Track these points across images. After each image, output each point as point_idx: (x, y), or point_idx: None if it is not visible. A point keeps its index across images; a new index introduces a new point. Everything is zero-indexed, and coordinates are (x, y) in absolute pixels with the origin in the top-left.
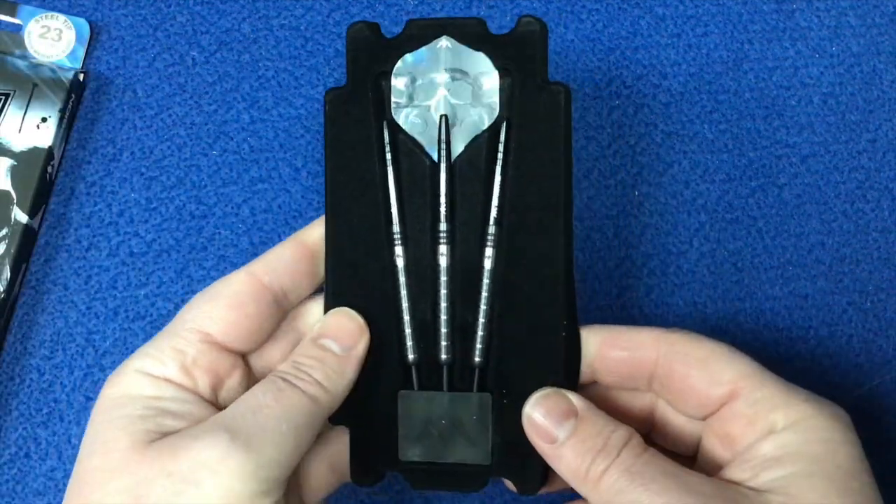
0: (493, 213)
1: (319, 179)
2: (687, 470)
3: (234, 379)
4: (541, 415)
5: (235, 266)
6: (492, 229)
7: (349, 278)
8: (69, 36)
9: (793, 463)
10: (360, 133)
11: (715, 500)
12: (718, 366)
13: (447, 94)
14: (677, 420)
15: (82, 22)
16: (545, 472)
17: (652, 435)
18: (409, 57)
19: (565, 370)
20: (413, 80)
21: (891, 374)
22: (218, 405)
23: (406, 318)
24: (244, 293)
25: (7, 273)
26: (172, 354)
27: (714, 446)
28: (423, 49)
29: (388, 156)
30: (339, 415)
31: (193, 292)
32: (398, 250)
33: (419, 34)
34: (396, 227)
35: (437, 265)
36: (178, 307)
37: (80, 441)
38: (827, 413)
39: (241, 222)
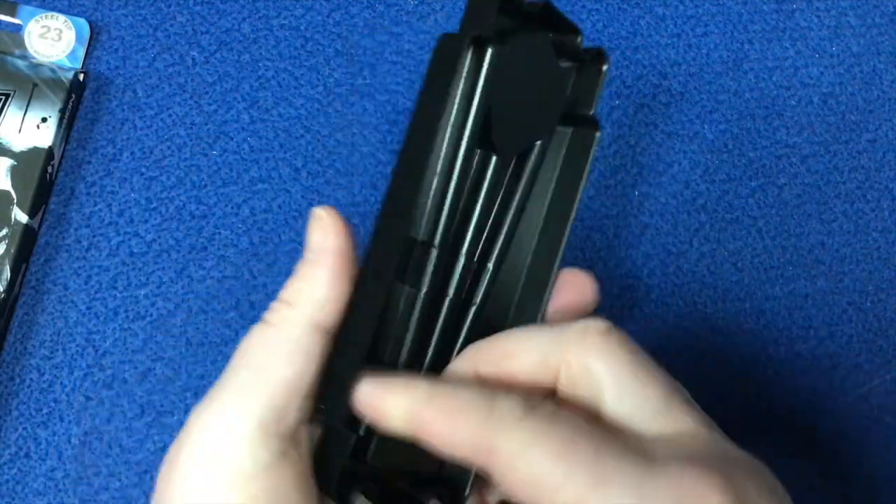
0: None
1: (320, 179)
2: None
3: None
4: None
5: (236, 266)
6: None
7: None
8: (69, 36)
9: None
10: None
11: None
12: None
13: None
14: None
15: (82, 22)
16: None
17: None
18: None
19: None
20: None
21: (891, 374)
22: None
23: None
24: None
25: (7, 273)
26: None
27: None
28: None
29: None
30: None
31: (193, 292)
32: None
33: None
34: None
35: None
36: (178, 307)
37: (80, 441)
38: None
39: (241, 222)
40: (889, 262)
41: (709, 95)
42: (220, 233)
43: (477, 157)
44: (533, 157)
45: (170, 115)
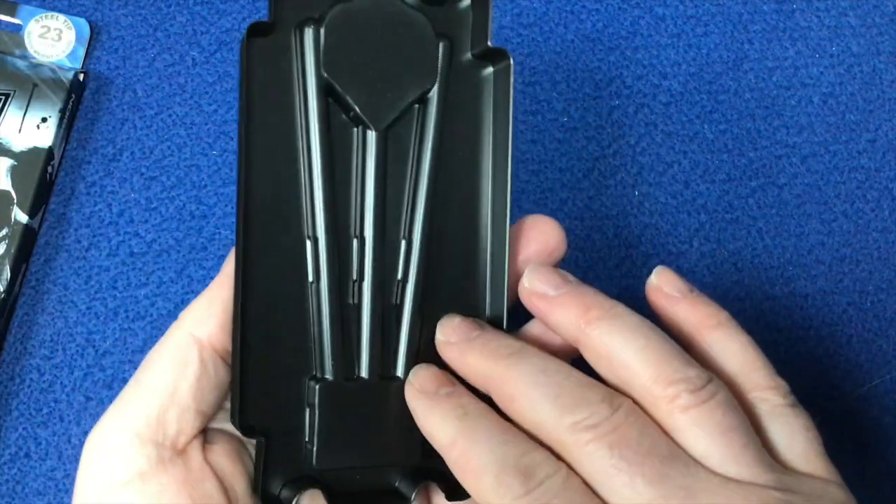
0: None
1: None
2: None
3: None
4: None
5: None
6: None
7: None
8: (69, 36)
9: None
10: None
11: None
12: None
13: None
14: None
15: (82, 22)
16: None
17: None
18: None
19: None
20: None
21: (891, 374)
22: None
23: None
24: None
25: (7, 273)
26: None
27: None
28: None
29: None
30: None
31: (194, 292)
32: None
33: None
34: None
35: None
36: (178, 307)
37: (80, 441)
38: None
39: None
40: (889, 262)
41: (709, 95)
42: (220, 233)
43: (356, 134)
44: (433, 112)
45: (170, 115)
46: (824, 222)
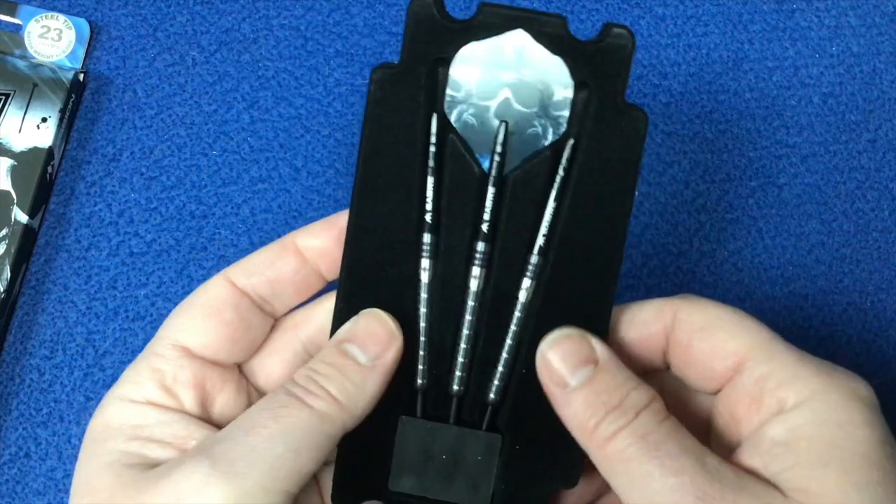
0: (540, 241)
1: (320, 179)
2: (707, 450)
3: (227, 393)
4: (557, 356)
5: None
6: (534, 259)
7: (366, 284)
8: (69, 36)
9: (806, 450)
10: (406, 122)
11: (733, 488)
12: (721, 336)
13: (511, 98)
14: (687, 398)
15: (82, 22)
16: None
17: None
18: (474, 46)
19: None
20: (475, 74)
21: (891, 374)
22: (212, 422)
23: (422, 338)
24: (220, 299)
25: (7, 273)
26: (150, 375)
27: (724, 428)
28: (493, 40)
29: (433, 154)
30: None
31: None
32: (425, 263)
33: (491, 22)
34: (427, 238)
35: (467, 287)
36: None
37: (80, 441)
38: (844, 389)
39: (241, 222)
40: (889, 262)
41: (709, 95)
42: (220, 233)
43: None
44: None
45: (170, 115)
46: (824, 222)
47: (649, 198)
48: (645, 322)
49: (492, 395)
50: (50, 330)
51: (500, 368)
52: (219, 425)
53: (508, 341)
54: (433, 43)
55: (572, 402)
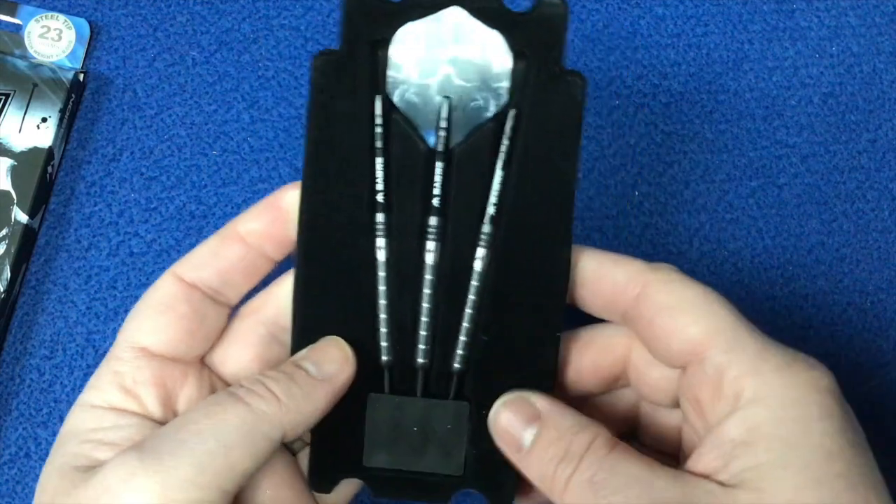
0: (490, 210)
1: None
2: (655, 470)
3: (189, 388)
4: (504, 421)
5: None
6: (486, 228)
7: (322, 267)
8: (69, 36)
9: (764, 449)
10: (350, 106)
11: None
12: (685, 318)
13: (451, 73)
14: (654, 374)
15: (82, 22)
16: (517, 485)
17: (634, 388)
18: (412, 26)
19: (538, 372)
20: (415, 53)
21: (891, 374)
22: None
23: (382, 315)
24: (171, 295)
25: (7, 273)
26: (110, 378)
27: (689, 411)
28: (430, 18)
29: (379, 135)
30: None
31: None
32: (380, 242)
33: (427, 1)
34: (380, 217)
35: (423, 262)
36: None
37: None
38: (802, 382)
39: None
40: (889, 262)
41: (709, 95)
42: None
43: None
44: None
45: (170, 115)
46: (824, 222)
47: (649, 198)
48: (616, 282)
49: (456, 365)
50: (50, 330)
51: (461, 338)
52: None
53: (468, 310)
54: (371, 26)
55: (530, 464)
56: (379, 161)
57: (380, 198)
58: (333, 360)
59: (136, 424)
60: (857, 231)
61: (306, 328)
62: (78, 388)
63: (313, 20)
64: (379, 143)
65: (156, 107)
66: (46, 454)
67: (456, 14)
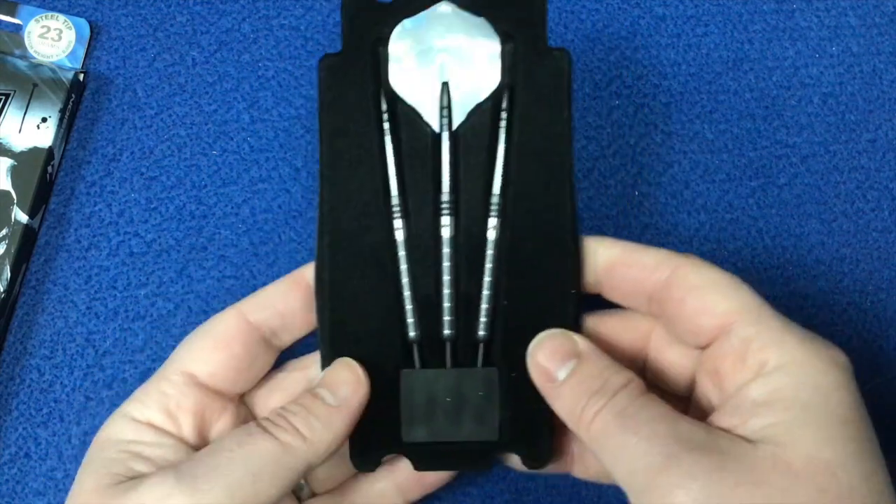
0: (498, 182)
1: None
2: (682, 416)
3: (225, 421)
4: (543, 355)
5: (236, 266)
6: (496, 199)
7: (346, 254)
8: (69, 36)
9: (784, 409)
10: (357, 101)
11: (703, 449)
12: (715, 296)
13: (447, 61)
14: (671, 355)
15: (82, 22)
16: (552, 445)
17: (646, 371)
18: (407, 22)
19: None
20: (412, 47)
21: (891, 374)
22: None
23: (407, 293)
24: (231, 332)
25: (7, 273)
26: (157, 398)
27: (706, 385)
28: (423, 14)
29: (387, 125)
30: None
31: (193, 292)
32: (398, 223)
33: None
34: (396, 200)
35: (440, 237)
36: (178, 307)
37: (80, 441)
38: (823, 356)
39: (241, 222)
40: (889, 262)
41: (709, 95)
42: (220, 233)
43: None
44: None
45: (170, 115)
46: (824, 222)
47: (649, 198)
48: (645, 266)
49: (481, 333)
50: (50, 330)
51: (483, 305)
52: None
53: (487, 278)
54: (370, 26)
55: (561, 394)
56: (389, 149)
57: (393, 181)
58: (346, 382)
59: (173, 445)
60: (857, 231)
61: (335, 319)
62: (78, 388)
63: (313, 20)
64: (388, 132)
65: (156, 107)
66: (46, 454)
67: (445, 7)
